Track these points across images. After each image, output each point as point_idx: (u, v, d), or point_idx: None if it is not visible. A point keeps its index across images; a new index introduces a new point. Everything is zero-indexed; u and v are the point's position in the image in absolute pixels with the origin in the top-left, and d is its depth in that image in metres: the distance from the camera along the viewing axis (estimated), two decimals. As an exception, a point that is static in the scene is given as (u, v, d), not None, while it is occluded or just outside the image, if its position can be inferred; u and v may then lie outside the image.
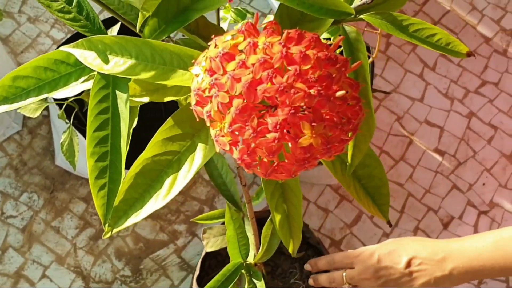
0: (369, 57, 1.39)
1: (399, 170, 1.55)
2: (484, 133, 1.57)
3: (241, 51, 0.49)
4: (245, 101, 0.47)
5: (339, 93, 0.47)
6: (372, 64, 1.37)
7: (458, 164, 1.55)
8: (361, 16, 0.58)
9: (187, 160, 0.56)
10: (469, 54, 0.59)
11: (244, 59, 0.48)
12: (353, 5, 0.59)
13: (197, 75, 0.50)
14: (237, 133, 0.47)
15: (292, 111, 0.46)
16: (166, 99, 0.58)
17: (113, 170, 0.56)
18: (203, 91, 0.49)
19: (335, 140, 0.49)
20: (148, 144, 0.55)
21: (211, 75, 0.49)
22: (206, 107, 0.49)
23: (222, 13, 1.18)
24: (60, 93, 0.61)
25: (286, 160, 0.49)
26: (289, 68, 0.47)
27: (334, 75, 0.47)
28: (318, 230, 1.50)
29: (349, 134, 0.51)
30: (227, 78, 0.47)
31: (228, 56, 0.49)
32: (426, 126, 1.58)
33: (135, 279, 1.47)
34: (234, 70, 0.48)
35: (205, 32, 0.61)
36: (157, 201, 0.55)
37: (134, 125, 0.60)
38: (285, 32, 0.49)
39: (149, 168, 0.56)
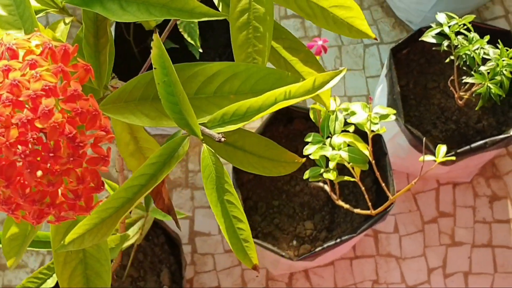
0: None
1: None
2: None
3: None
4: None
5: (39, 174, 0.41)
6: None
7: None
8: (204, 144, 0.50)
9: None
10: (254, 268, 0.51)
11: (13, 68, 0.42)
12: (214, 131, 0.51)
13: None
14: None
15: (-16, 146, 0.41)
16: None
17: None
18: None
19: (18, 207, 0.43)
20: None
21: (-10, 55, 0.44)
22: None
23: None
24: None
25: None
26: (23, 113, 0.41)
27: (59, 159, 0.41)
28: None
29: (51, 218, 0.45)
30: (-14, 68, 0.43)
31: (12, 53, 0.43)
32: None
33: None
34: (3, 65, 0.43)
35: (100, 32, 0.55)
36: None
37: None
38: (73, 83, 0.43)
39: None
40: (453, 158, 1.02)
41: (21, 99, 0.41)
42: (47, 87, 0.42)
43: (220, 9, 0.59)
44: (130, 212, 1.11)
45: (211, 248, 1.47)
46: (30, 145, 0.41)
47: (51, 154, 0.41)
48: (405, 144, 1.37)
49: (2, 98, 0.41)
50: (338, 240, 1.23)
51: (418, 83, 1.40)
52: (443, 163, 1.35)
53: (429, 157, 1.01)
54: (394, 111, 1.02)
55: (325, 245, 1.24)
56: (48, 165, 0.42)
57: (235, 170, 1.31)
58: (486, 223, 1.48)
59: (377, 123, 1.01)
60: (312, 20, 0.61)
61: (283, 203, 1.35)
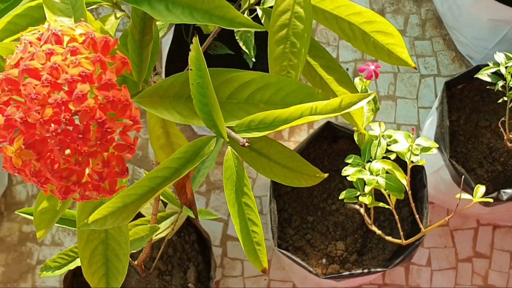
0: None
1: None
2: None
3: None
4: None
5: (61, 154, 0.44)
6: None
7: None
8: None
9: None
10: (263, 271, 0.52)
11: (55, 52, 0.46)
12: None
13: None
14: None
15: (21, 120, 0.44)
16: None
17: None
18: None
19: (46, 181, 0.46)
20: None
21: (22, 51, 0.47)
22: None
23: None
24: None
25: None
26: (59, 94, 0.44)
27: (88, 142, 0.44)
28: None
29: (76, 196, 0.48)
30: (28, 53, 0.46)
31: (56, 38, 0.47)
32: None
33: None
34: (42, 50, 0.46)
35: (146, 30, 0.59)
36: None
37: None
38: (109, 73, 0.46)
39: None
40: (491, 200, 1.01)
41: (59, 81, 0.45)
42: (83, 74, 0.45)
43: (262, 21, 0.62)
44: (165, 206, 1.15)
45: (241, 254, 1.49)
46: (62, 125, 0.44)
47: (80, 136, 0.44)
48: (448, 179, 1.36)
49: (42, 78, 0.45)
50: (366, 270, 1.23)
51: (469, 120, 1.39)
52: (484, 204, 1.34)
53: (466, 196, 1.01)
54: (437, 145, 1.02)
55: (354, 272, 1.24)
56: (77, 145, 0.45)
57: (274, 181, 1.34)
58: (522, 270, 1.45)
59: (417, 155, 1.01)
60: (351, 42, 0.62)
61: (317, 220, 1.36)
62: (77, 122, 0.45)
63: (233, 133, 0.53)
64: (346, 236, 1.34)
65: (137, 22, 0.58)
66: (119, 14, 0.62)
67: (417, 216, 1.10)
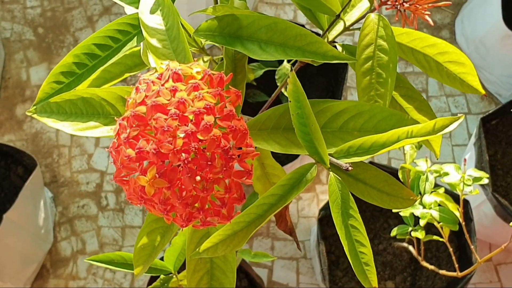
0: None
1: None
2: None
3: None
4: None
5: (186, 181, 0.47)
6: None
7: None
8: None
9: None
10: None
11: (179, 89, 0.50)
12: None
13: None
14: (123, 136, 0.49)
15: (154, 151, 0.47)
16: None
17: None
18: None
19: (172, 209, 0.49)
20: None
21: (146, 90, 0.51)
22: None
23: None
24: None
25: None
26: (188, 126, 0.48)
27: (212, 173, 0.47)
28: None
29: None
30: (153, 91, 0.50)
31: (177, 77, 0.51)
32: None
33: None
34: (166, 88, 0.50)
35: (238, 69, 0.62)
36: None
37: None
38: (229, 105, 0.50)
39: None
40: (544, 225, 1.02)
41: (185, 114, 0.48)
42: (208, 106, 0.48)
43: (344, 57, 0.65)
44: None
45: (288, 300, 1.50)
46: (192, 154, 0.47)
47: (209, 163, 0.47)
48: (491, 213, 1.38)
49: (170, 112, 0.48)
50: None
51: (506, 153, 1.42)
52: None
53: (521, 223, 1.03)
54: (487, 175, 1.05)
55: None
56: (204, 173, 0.48)
57: (320, 223, 1.36)
58: None
59: (470, 185, 1.04)
60: (427, 72, 0.66)
61: (364, 261, 1.37)
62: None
63: (334, 159, 0.56)
64: (395, 275, 1.35)
65: (229, 63, 0.62)
66: (206, 58, 0.66)
67: (472, 246, 1.11)
